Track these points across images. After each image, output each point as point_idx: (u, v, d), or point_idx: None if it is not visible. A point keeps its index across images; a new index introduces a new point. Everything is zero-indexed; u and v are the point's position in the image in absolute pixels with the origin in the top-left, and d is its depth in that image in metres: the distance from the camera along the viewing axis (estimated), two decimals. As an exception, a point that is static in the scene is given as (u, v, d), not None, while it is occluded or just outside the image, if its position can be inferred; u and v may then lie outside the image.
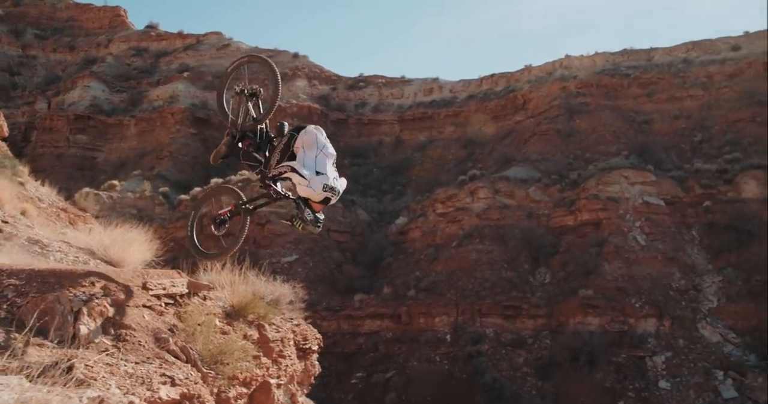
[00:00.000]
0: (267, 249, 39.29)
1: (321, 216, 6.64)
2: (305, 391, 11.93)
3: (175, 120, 56.66)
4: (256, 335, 8.43)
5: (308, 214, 6.54)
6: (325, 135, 6.76)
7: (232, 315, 8.10)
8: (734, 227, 35.85)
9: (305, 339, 11.23)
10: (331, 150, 6.73)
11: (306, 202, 6.57)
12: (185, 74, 62.54)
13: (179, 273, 7.61)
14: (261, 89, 7.25)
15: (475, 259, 36.78)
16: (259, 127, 7.14)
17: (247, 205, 7.25)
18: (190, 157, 53.77)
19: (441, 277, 36.33)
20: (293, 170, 6.50)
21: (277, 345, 9.07)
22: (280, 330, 9.41)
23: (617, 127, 46.53)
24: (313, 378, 11.99)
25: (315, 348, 11.90)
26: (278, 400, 9.05)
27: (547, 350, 31.74)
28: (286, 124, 6.98)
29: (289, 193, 6.78)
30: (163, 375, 5.32)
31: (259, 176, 6.92)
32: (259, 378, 8.04)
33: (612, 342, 31.31)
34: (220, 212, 7.38)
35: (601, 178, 39.55)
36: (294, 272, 35.90)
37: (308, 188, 6.46)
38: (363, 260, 40.74)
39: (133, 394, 4.74)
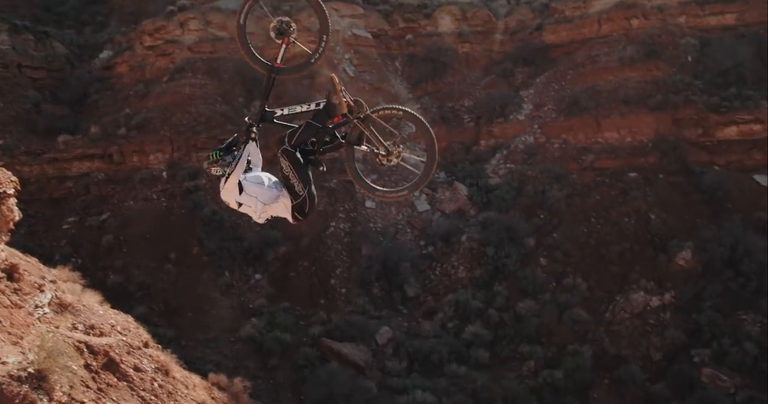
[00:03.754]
0: (-59, 89, 34.10)
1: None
2: (4, 238, 11.25)
3: None
4: (-74, 181, 7.63)
5: (217, 170, 6.73)
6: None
7: None
8: (431, 59, 38.93)
9: (-5, 183, 10.42)
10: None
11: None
12: None
13: None
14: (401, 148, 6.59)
15: (188, 94, 35.71)
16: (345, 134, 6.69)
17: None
18: None
19: (153, 114, 34.88)
20: (228, 175, 6.56)
21: (-43, 191, 8.34)
22: (-40, 175, 8.61)
23: (328, -43, 46.22)
24: (12, 224, 11.28)
25: (11, 192, 11.09)
26: (-34, 248, 8.49)
27: (264, 181, 32.88)
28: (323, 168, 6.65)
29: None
30: None
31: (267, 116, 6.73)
32: (-64, 226, 7.41)
33: (325, 168, 33.31)
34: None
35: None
36: (-20, 115, 31.96)
37: (222, 185, 6.65)
38: (64, 98, 37.32)
39: None
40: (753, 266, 26.78)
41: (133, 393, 10.73)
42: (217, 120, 34.72)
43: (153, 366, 12.04)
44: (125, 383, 10.64)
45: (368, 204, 32.38)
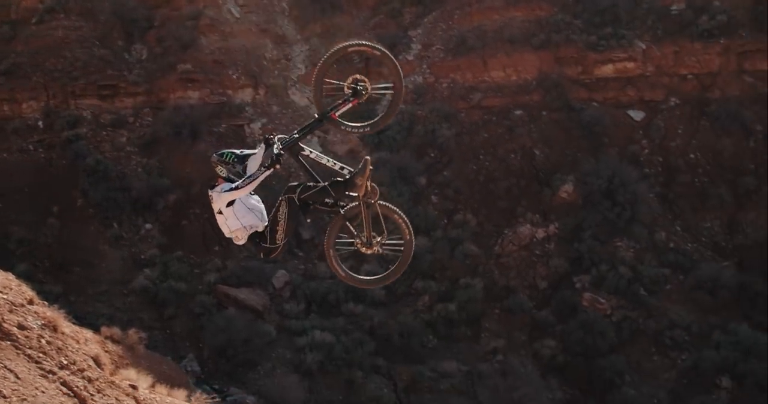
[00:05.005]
0: None
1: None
2: None
3: None
4: None
5: (221, 171, 6.98)
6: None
7: None
8: (318, -2, 38.12)
9: None
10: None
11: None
12: None
13: None
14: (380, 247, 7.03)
15: (61, 37, 33.48)
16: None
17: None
18: None
19: (23, 58, 32.56)
20: (234, 188, 6.69)
21: None
22: None
23: None
24: None
25: None
26: None
27: (150, 127, 31.68)
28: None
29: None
30: None
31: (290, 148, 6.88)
32: None
33: (212, 113, 32.44)
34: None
35: (191, -55, 37.74)
36: None
37: (218, 189, 6.81)
38: None
39: None
40: (627, 196, 28.56)
41: (19, 352, 10.41)
42: (95, 65, 32.93)
43: (39, 323, 11.67)
44: (9, 342, 10.29)
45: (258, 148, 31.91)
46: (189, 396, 16.15)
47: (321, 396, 23.41)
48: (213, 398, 17.68)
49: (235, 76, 33.73)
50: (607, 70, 32.75)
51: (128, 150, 30.95)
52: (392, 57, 6.82)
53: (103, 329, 17.50)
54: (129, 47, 34.60)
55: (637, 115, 31.87)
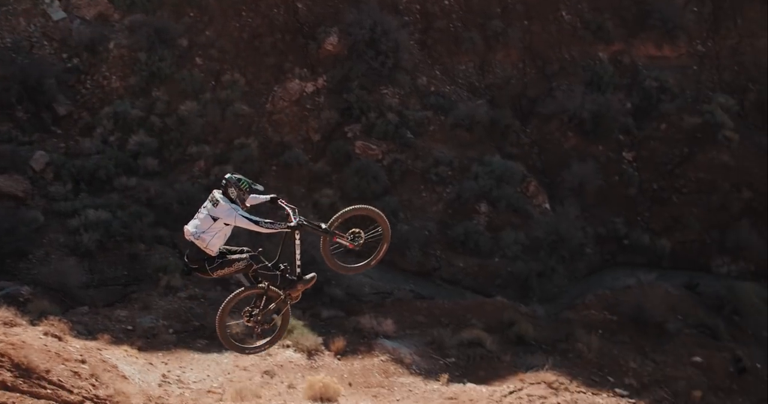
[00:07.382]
0: None
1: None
2: None
3: None
4: None
5: (233, 193, 7.90)
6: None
7: None
8: None
9: None
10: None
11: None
12: None
13: None
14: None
15: None
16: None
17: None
18: None
19: None
20: (241, 216, 7.64)
21: None
22: None
23: None
24: None
25: None
26: None
27: None
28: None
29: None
30: None
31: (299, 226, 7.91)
32: None
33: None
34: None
35: None
36: None
37: (226, 205, 7.74)
38: None
39: None
40: (390, 44, 29.28)
41: None
42: None
43: None
44: None
45: None
46: (-50, 299, 15.19)
47: (104, 274, 22.83)
48: (-19, 295, 16.73)
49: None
50: None
51: None
52: (384, 217, 8.42)
53: None
54: None
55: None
